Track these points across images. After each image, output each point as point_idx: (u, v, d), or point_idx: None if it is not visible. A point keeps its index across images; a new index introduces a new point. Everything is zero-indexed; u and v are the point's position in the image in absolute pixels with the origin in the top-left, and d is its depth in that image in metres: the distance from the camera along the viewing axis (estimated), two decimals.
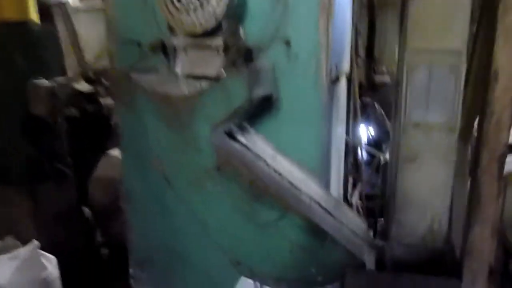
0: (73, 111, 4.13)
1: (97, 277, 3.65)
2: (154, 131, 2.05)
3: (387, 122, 6.51)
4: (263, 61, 1.91)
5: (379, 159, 4.30)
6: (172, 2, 1.87)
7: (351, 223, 2.08)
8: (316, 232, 1.88)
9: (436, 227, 1.97)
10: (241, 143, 2.03)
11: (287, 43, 1.87)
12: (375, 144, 6.63)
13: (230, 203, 2.01)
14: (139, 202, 2.33)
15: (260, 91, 1.89)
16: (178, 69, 2.02)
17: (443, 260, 1.97)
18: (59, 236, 3.46)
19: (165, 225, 2.29)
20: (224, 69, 1.89)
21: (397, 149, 2.03)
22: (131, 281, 2.61)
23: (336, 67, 2.37)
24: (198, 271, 2.31)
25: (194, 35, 1.93)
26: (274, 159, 2.06)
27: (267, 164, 2.04)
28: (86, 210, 4.00)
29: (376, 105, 5.89)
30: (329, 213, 2.01)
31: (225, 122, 1.92)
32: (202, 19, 1.84)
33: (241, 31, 1.91)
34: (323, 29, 1.84)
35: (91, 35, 4.21)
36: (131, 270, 2.60)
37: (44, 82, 3.31)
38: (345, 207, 2.18)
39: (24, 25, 3.31)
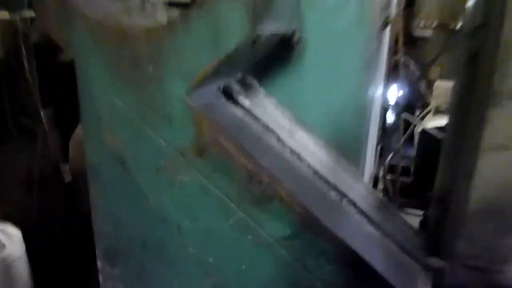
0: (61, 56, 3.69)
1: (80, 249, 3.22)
2: (103, 89, 1.34)
3: (422, 82, 5.92)
4: None
5: (413, 126, 3.87)
6: None
7: (399, 234, 1.43)
8: (346, 257, 1.20)
9: None
10: (242, 108, 1.37)
11: None
12: (405, 107, 6.06)
13: (216, 207, 1.29)
14: (102, 181, 1.72)
15: (272, 27, 1.22)
16: None
17: None
18: (29, 205, 3.03)
19: (135, 213, 1.68)
20: None
21: (474, 129, 1.43)
22: (100, 277, 2.13)
23: (389, 4, 1.67)
24: (179, 272, 1.73)
25: None
26: (292, 134, 1.41)
27: (280, 141, 1.38)
28: (67, 174, 3.51)
29: (411, 62, 5.26)
30: (371, 220, 1.35)
31: (214, 75, 1.21)
32: None
33: None
34: None
35: None
36: (99, 264, 2.10)
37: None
38: (391, 208, 1.50)
39: None
